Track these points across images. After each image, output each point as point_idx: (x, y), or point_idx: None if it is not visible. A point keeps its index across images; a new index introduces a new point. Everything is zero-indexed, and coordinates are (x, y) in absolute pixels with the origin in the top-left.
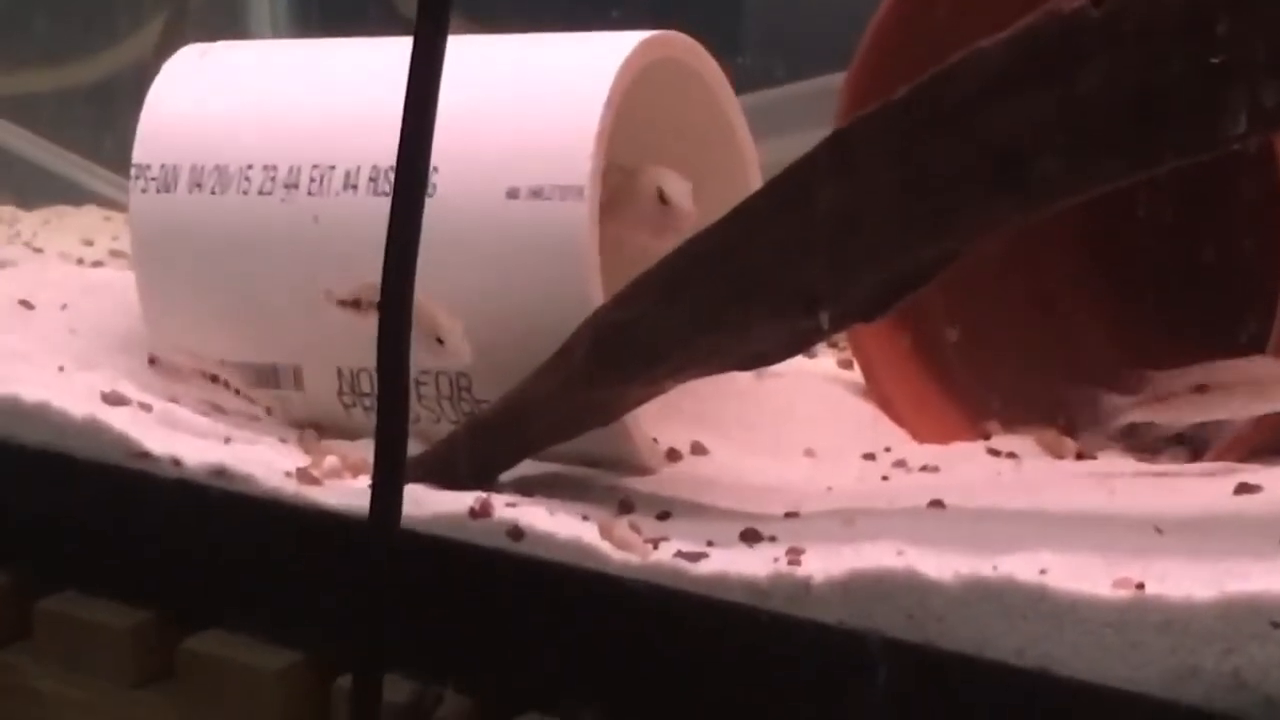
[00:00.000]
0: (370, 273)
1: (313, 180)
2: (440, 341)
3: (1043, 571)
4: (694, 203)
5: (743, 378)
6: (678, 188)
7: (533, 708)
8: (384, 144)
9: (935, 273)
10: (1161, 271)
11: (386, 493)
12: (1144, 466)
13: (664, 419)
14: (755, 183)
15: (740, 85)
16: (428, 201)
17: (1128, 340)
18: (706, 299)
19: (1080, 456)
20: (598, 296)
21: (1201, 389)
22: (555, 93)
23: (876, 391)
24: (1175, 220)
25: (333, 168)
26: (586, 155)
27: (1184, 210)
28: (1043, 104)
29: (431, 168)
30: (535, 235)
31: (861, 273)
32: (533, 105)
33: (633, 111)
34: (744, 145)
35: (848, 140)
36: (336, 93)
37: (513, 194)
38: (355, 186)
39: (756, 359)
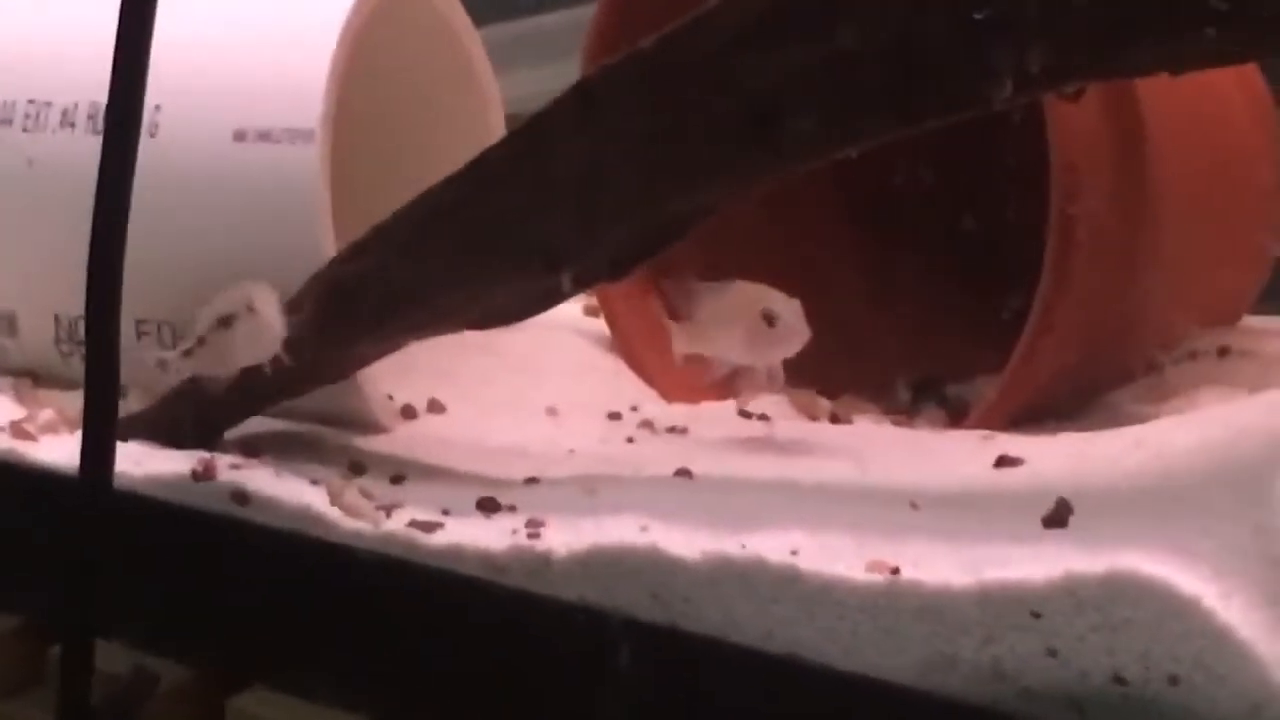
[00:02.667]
0: (87, 214)
1: (28, 117)
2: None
3: (794, 552)
4: None
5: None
6: (785, 306)
7: (259, 682)
8: (103, 79)
9: (686, 229)
10: (926, 235)
11: (97, 450)
12: (900, 432)
13: (399, 374)
14: (498, 124)
15: (483, 17)
16: (150, 141)
17: (889, 302)
18: (443, 254)
19: (835, 419)
20: (329, 247)
21: (1224, 351)
22: (287, 30)
23: (623, 346)
24: (941, 185)
25: (49, 104)
26: (318, 97)
27: (950, 176)
28: (800, 56)
29: (154, 105)
30: (263, 180)
31: (606, 229)
32: (263, 43)
33: (369, 50)
34: (486, 85)
35: (593, 89)
36: (53, 23)
37: (240, 136)
38: (73, 124)
39: (494, 317)
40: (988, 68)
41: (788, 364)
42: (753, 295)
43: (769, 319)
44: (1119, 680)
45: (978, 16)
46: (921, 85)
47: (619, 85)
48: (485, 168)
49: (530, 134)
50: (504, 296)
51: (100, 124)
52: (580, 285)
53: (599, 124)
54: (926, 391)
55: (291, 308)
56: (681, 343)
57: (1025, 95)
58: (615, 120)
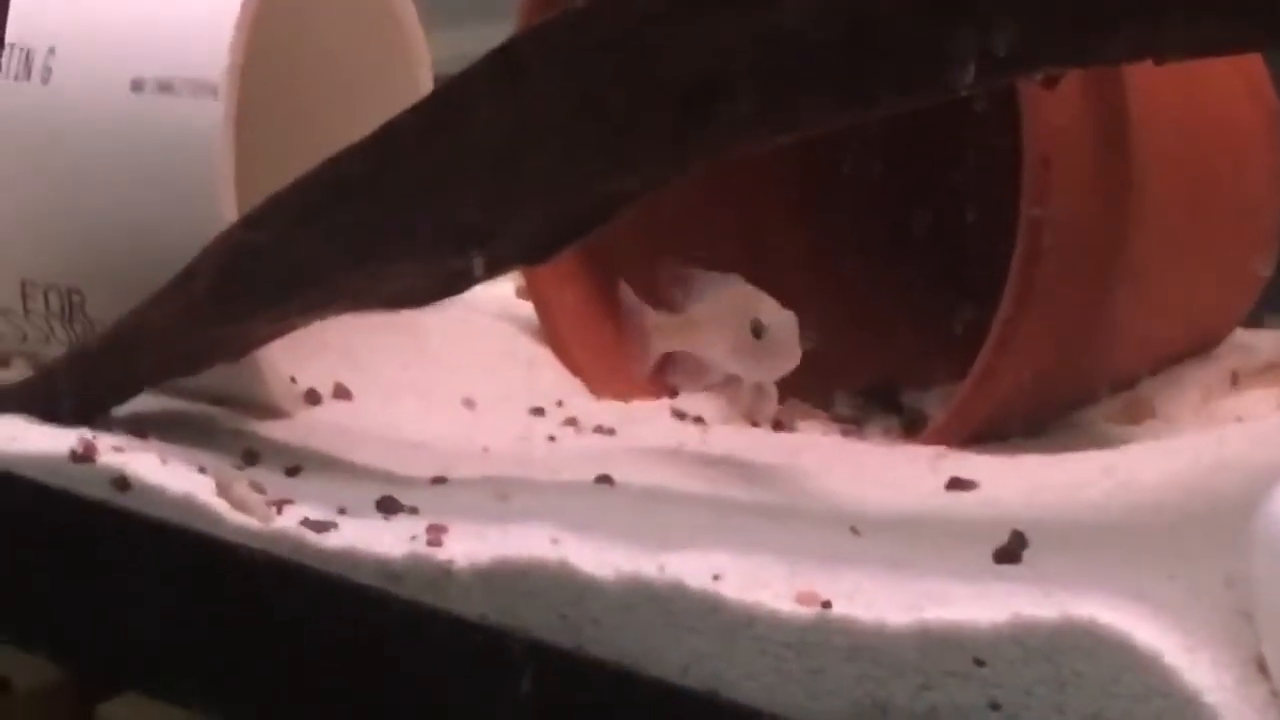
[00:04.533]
0: None
1: None
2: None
3: (717, 577)
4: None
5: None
6: (778, 319)
7: (133, 686)
8: None
9: (613, 214)
10: (886, 232)
11: None
12: (847, 444)
13: (304, 354)
14: (426, 87)
15: None
16: (42, 89)
17: (841, 302)
18: (348, 228)
19: (778, 425)
20: (230, 211)
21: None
22: None
23: (552, 335)
24: (898, 175)
25: None
26: (223, 47)
27: (908, 164)
28: (743, 30)
29: (47, 48)
30: (161, 134)
31: (525, 209)
32: None
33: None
34: (414, 43)
35: (517, 55)
36: None
37: (138, 85)
38: None
39: (401, 300)
40: (948, 50)
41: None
42: (748, 299)
43: (756, 330)
44: None
45: None
46: (873, 67)
47: (546, 52)
48: (395, 136)
49: (446, 101)
50: (411, 278)
51: None
52: (494, 269)
53: (522, 94)
54: (879, 399)
55: (185, 277)
56: (664, 337)
57: (990, 81)
58: (540, 90)
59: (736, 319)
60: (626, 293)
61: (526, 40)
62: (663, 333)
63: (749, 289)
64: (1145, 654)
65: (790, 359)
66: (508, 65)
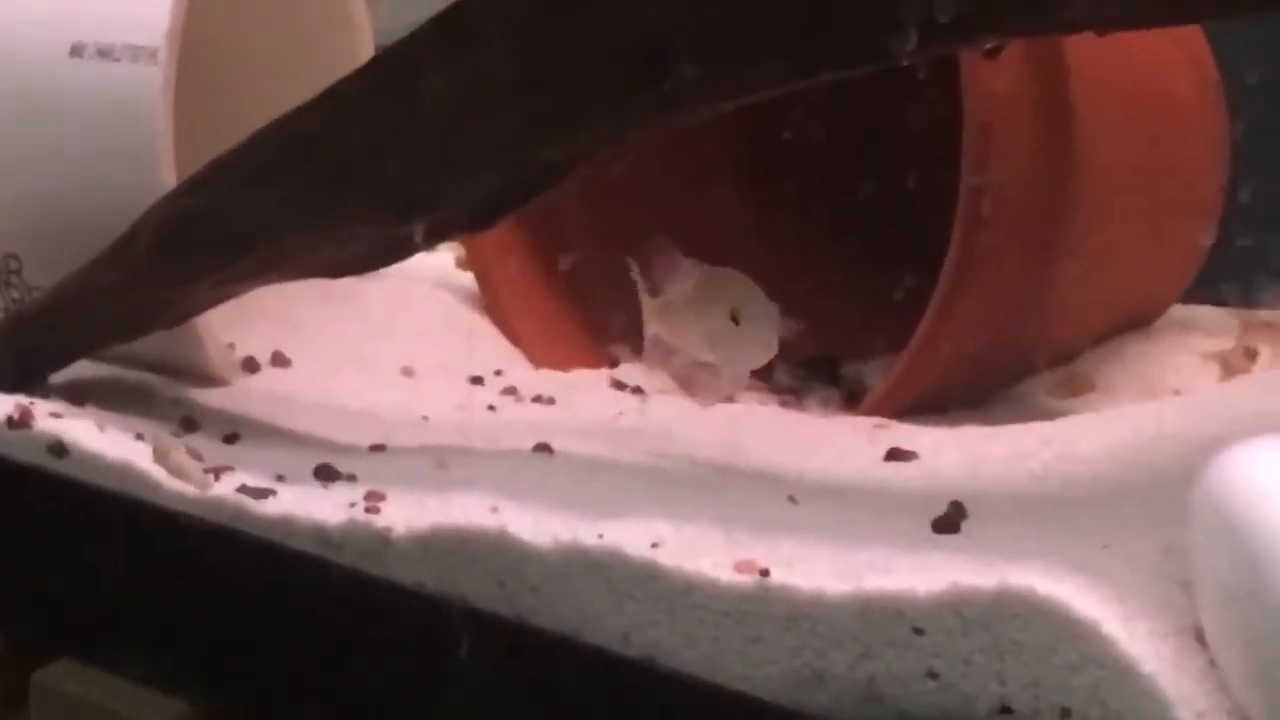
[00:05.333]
0: None
1: None
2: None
3: (655, 545)
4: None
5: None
6: (758, 309)
7: (69, 653)
8: None
9: (558, 179)
10: (825, 197)
11: None
12: (786, 415)
13: (243, 321)
14: (365, 51)
15: None
16: None
17: (780, 271)
18: (289, 193)
19: None
20: (170, 177)
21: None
22: None
23: (492, 305)
24: (839, 144)
25: None
26: (163, 12)
27: (850, 134)
28: None
29: None
30: (100, 100)
31: (468, 176)
32: None
33: None
34: (353, 8)
35: (462, 18)
36: None
37: (77, 50)
38: None
39: (341, 266)
40: (892, 17)
41: None
42: (733, 286)
43: (735, 318)
44: (1005, 710)
45: None
46: (819, 34)
47: (492, 17)
48: (336, 100)
49: (389, 65)
50: (351, 244)
51: None
52: (435, 237)
53: (467, 57)
54: (819, 371)
55: (124, 243)
56: (653, 321)
57: (933, 49)
58: (486, 56)
59: (718, 306)
60: (635, 271)
61: (473, 3)
62: (651, 317)
63: (740, 278)
64: (1083, 624)
65: (766, 351)
66: (453, 30)
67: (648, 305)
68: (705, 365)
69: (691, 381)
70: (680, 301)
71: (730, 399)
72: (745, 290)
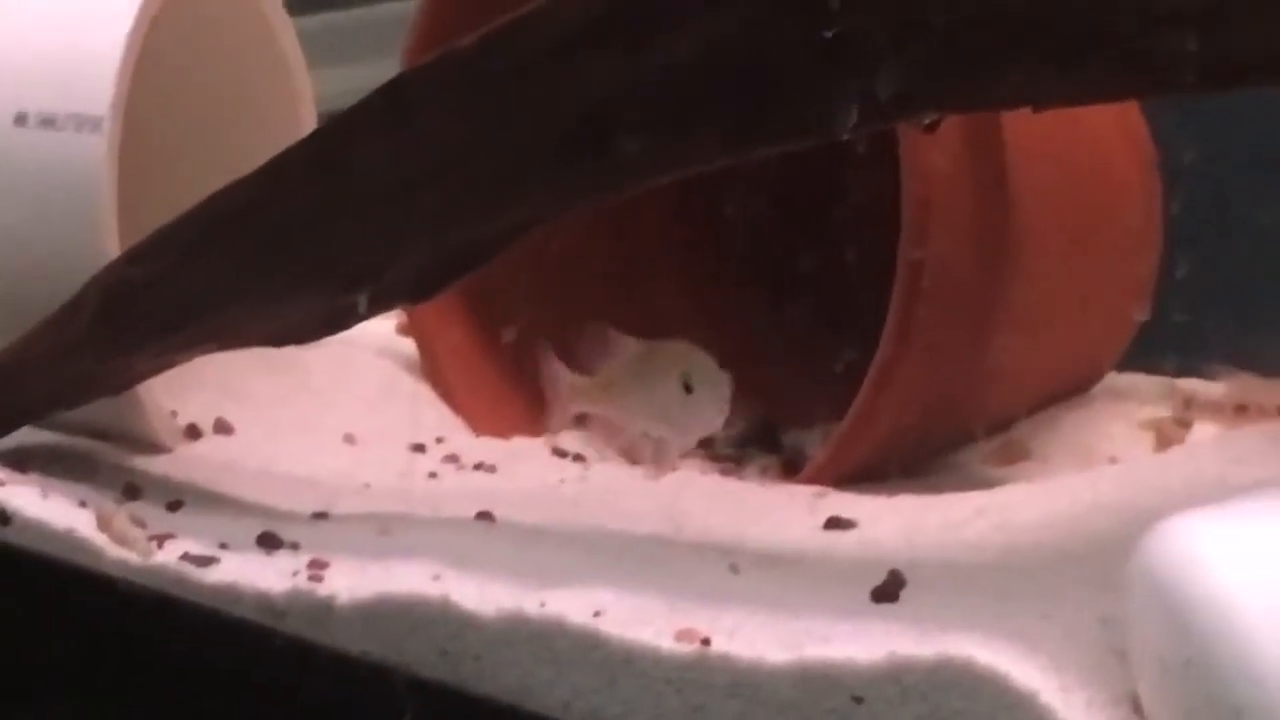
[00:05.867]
0: None
1: None
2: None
3: (597, 613)
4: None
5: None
6: (710, 377)
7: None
8: None
9: (499, 249)
10: (765, 267)
11: None
12: (725, 483)
13: (185, 389)
14: (309, 123)
15: (300, 7)
16: None
17: (723, 338)
18: (232, 263)
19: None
20: (113, 246)
21: (1241, 409)
22: (80, 7)
23: (433, 372)
24: (782, 216)
25: None
26: (108, 81)
27: (791, 204)
28: (630, 67)
29: None
30: (44, 169)
31: (411, 246)
32: (53, 19)
33: (170, 34)
34: (298, 79)
35: (403, 90)
36: None
37: (20, 119)
38: None
39: (285, 336)
40: (833, 92)
41: None
42: (682, 356)
43: (687, 386)
44: None
45: (826, 35)
46: (760, 107)
47: (433, 88)
48: (279, 171)
49: (332, 137)
50: (295, 314)
51: None
52: (379, 306)
53: (408, 129)
54: (758, 439)
55: (67, 312)
56: (580, 399)
57: (873, 124)
58: (427, 126)
59: (667, 377)
60: (547, 356)
61: (413, 77)
62: (579, 394)
63: (680, 345)
64: (1022, 693)
65: (718, 418)
66: (394, 102)
67: (574, 386)
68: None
69: (639, 454)
70: (625, 378)
71: (671, 466)
72: (695, 359)
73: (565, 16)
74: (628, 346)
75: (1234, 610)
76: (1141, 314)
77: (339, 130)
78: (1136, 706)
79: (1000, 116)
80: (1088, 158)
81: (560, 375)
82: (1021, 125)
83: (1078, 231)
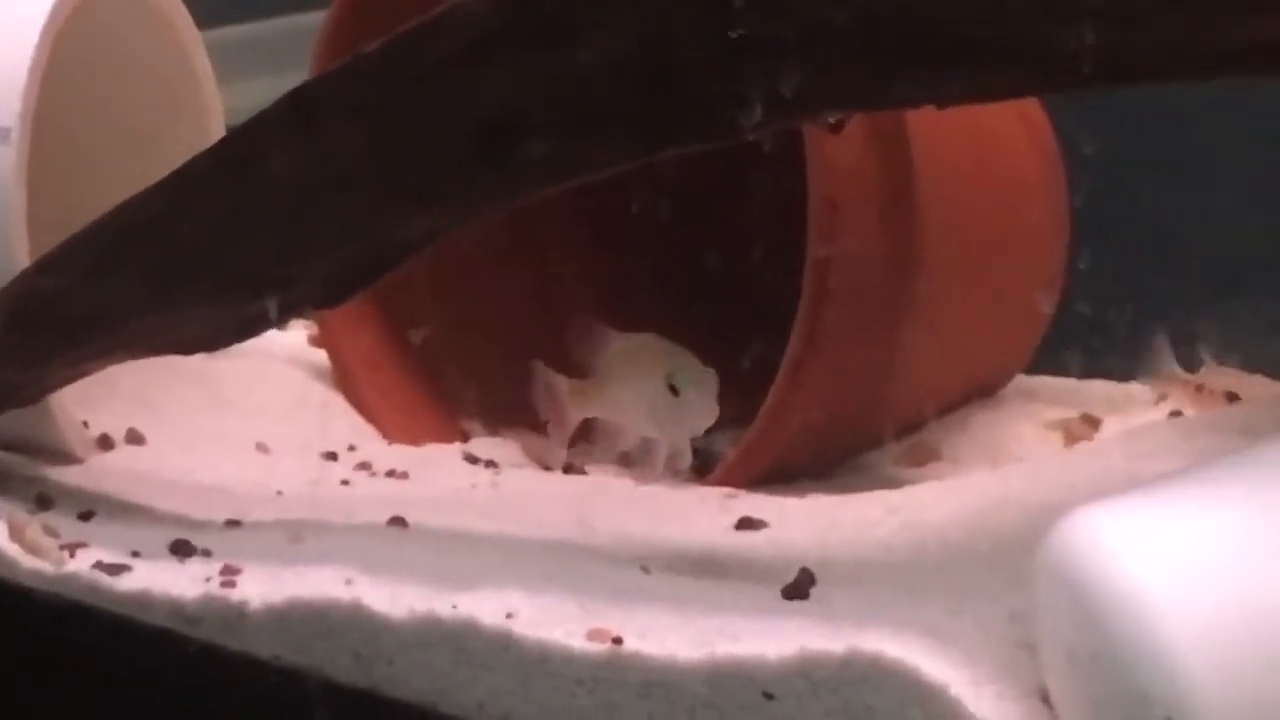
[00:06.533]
0: None
1: None
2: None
3: (510, 615)
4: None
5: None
6: (695, 375)
7: None
8: None
9: (408, 254)
10: (674, 268)
11: None
12: (637, 486)
13: (97, 400)
14: (218, 131)
15: (206, 20)
16: None
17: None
18: (141, 272)
19: (569, 469)
20: (23, 257)
21: (1232, 396)
22: None
23: (344, 381)
24: (689, 215)
25: None
26: (16, 93)
27: (700, 204)
28: (536, 72)
29: None
30: None
31: (320, 254)
32: None
33: (78, 46)
34: (207, 91)
35: (309, 99)
36: None
37: None
38: None
39: (196, 344)
40: (738, 91)
41: (518, 404)
42: (663, 355)
43: (673, 388)
44: None
45: (731, 36)
46: (665, 109)
47: (338, 94)
48: (187, 180)
49: (239, 147)
50: (206, 322)
51: None
52: (289, 313)
53: (314, 137)
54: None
55: None
56: (581, 405)
57: (778, 123)
58: (333, 134)
59: (652, 378)
60: (539, 367)
61: (318, 86)
62: (577, 400)
63: (662, 343)
64: (932, 686)
65: (707, 416)
66: (301, 109)
67: (576, 390)
68: (649, 441)
69: (634, 460)
70: (613, 382)
71: (582, 471)
72: (679, 358)
73: (470, 23)
74: (613, 341)
75: (1139, 601)
76: (1049, 307)
77: (246, 139)
78: (1046, 698)
79: (905, 115)
80: (992, 153)
81: (557, 384)
82: (926, 122)
83: (984, 229)
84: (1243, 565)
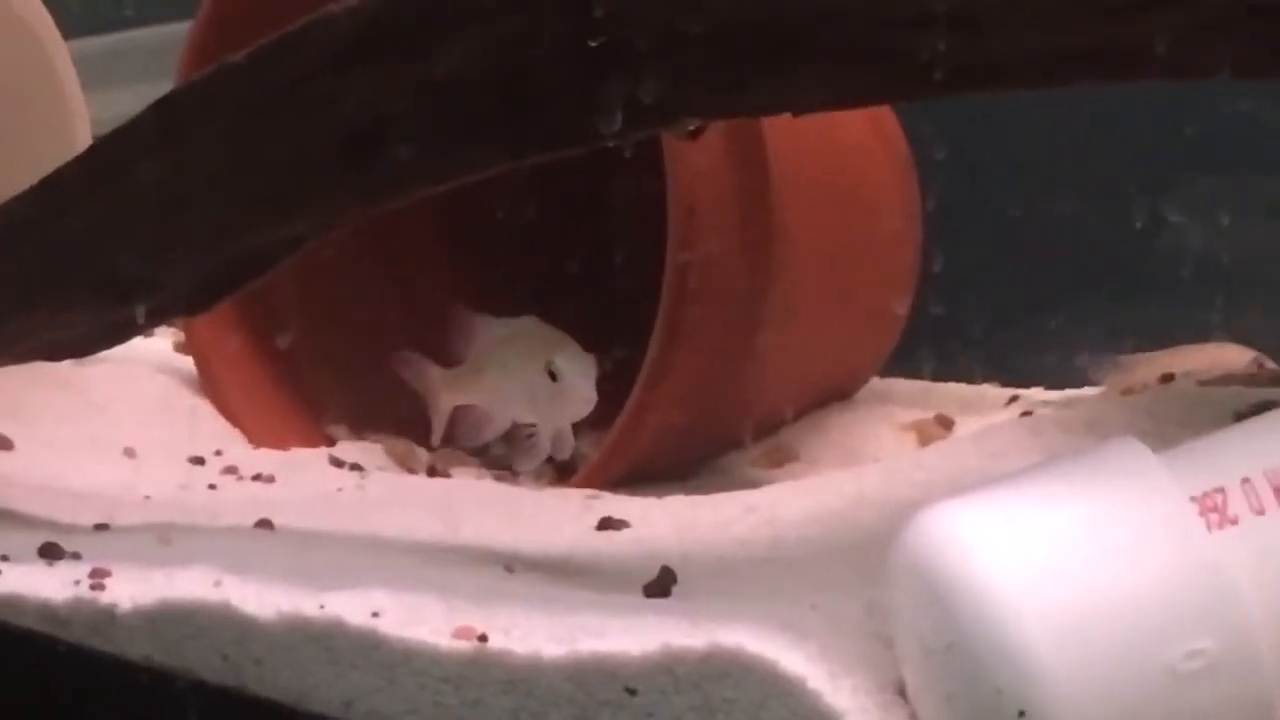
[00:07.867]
0: None
1: None
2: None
3: (376, 614)
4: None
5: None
6: (574, 365)
7: None
8: None
9: (275, 261)
10: (534, 271)
11: None
12: (500, 488)
13: None
14: (84, 140)
15: (72, 30)
16: None
17: None
18: (10, 277)
19: (433, 472)
20: None
21: (1168, 378)
22: None
23: (210, 386)
24: (557, 222)
25: None
26: None
27: (569, 211)
28: (398, 80)
29: None
30: None
31: (186, 259)
32: None
33: None
34: (71, 99)
35: (175, 107)
36: None
37: None
38: None
39: (64, 349)
40: (598, 99)
41: (383, 409)
42: (542, 340)
43: (553, 374)
44: None
45: (591, 44)
46: (526, 115)
47: (204, 102)
48: (54, 187)
49: (106, 153)
50: (74, 327)
51: None
52: (156, 319)
53: (180, 145)
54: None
55: None
56: (452, 393)
57: (638, 130)
58: (198, 142)
59: (531, 364)
60: (412, 357)
61: (185, 92)
62: (450, 389)
63: (542, 327)
64: (790, 680)
65: (586, 402)
66: (168, 117)
67: (450, 379)
68: (524, 427)
69: (513, 448)
70: (490, 368)
71: (446, 474)
72: (558, 343)
73: (333, 34)
74: (488, 326)
75: (990, 594)
76: (903, 308)
77: (113, 146)
78: (901, 690)
79: (761, 123)
80: (846, 158)
81: (431, 373)
82: (783, 129)
83: (839, 233)
84: (1093, 559)
